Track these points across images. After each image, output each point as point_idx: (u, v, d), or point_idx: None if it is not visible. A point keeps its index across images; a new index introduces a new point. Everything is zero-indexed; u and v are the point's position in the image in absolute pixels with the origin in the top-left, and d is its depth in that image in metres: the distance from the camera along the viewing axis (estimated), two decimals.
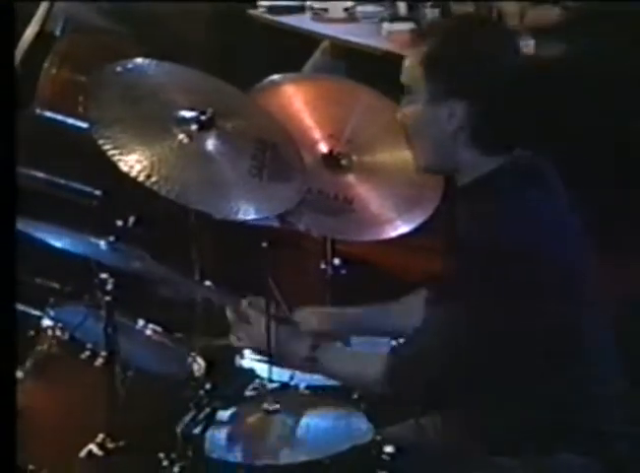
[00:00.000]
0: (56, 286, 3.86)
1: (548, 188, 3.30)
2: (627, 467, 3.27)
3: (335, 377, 3.46)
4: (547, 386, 3.19)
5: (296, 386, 3.60)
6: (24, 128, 4.56)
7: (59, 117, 4.01)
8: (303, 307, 3.68)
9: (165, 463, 3.39)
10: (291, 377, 3.60)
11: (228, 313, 3.45)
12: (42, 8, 4.69)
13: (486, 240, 3.13)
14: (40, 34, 4.71)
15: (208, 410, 3.46)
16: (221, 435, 3.45)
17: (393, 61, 5.17)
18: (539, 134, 3.35)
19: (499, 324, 3.11)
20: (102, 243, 3.39)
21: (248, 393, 3.60)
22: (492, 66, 3.20)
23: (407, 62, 3.28)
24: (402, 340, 3.38)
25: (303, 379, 3.60)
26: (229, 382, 3.60)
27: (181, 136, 3.54)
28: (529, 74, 3.27)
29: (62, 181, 4.33)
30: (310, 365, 3.37)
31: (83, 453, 3.35)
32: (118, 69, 3.67)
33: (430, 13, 5.40)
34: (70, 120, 4.01)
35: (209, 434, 3.42)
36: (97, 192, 3.67)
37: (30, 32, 4.69)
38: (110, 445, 3.32)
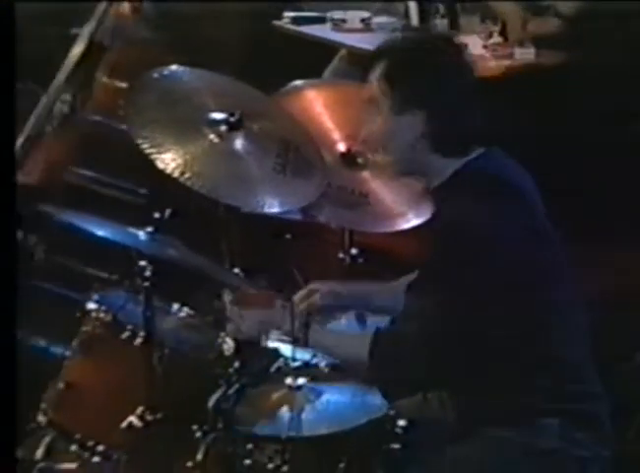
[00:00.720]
0: (100, 273, 3.83)
1: (503, 183, 3.29)
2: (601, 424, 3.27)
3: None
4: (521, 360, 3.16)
5: (317, 365, 3.57)
6: (78, 132, 4.61)
7: (109, 121, 3.98)
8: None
9: (198, 434, 3.39)
10: (313, 356, 3.58)
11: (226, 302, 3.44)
12: (92, 22, 4.68)
13: (453, 232, 3.13)
14: (91, 46, 4.69)
15: (236, 386, 3.47)
16: (248, 409, 3.47)
17: None
18: (490, 136, 3.36)
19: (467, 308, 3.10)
20: (141, 234, 3.38)
21: (273, 371, 3.59)
22: (445, 77, 3.20)
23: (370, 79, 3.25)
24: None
25: (323, 359, 3.58)
26: (256, 361, 3.59)
27: (212, 136, 3.55)
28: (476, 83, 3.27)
29: (111, 180, 4.33)
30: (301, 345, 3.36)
31: (124, 424, 3.35)
32: (156, 76, 3.68)
33: (440, 24, 5.40)
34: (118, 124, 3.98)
35: (238, 408, 3.44)
36: (142, 190, 3.62)
37: (80, 44, 4.69)
38: (149, 418, 3.32)
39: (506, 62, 5.25)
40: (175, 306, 3.62)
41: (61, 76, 4.69)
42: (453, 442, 3.35)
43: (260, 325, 3.39)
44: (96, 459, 3.43)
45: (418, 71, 3.21)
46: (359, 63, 5.42)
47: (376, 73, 3.21)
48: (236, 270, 3.64)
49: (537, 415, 3.20)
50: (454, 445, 3.33)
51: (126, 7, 4.68)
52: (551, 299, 3.23)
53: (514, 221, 3.19)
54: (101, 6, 4.69)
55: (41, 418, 3.49)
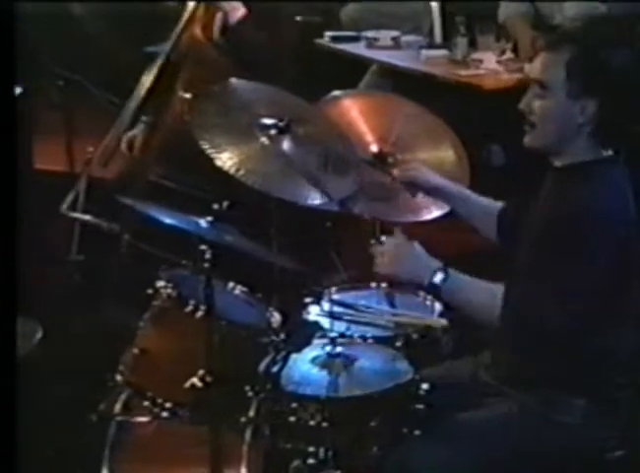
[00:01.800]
0: (169, 255, 3.85)
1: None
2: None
3: (456, 306, 3.42)
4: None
5: (351, 335, 3.58)
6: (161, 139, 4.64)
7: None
8: None
9: (250, 394, 3.42)
10: (348, 328, 3.59)
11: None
12: (169, 43, 4.74)
13: (579, 213, 3.17)
14: (168, 64, 4.69)
15: (283, 353, 3.48)
16: (293, 372, 3.49)
17: (429, 80, 5.22)
18: None
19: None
20: (203, 222, 3.41)
21: (314, 340, 3.60)
22: (621, 70, 3.21)
23: (545, 61, 3.24)
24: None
25: (357, 330, 3.60)
26: (300, 331, 3.61)
27: (263, 139, 3.58)
28: None
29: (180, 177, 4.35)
30: (433, 291, 3.39)
31: (187, 384, 3.37)
32: (217, 88, 3.71)
33: (460, 42, 5.37)
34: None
35: (284, 372, 3.47)
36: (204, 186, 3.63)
37: (158, 62, 4.75)
38: (208, 379, 3.33)
39: (517, 76, 5.22)
40: (231, 285, 3.63)
41: (141, 90, 4.74)
42: (476, 406, 3.41)
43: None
44: (164, 414, 3.45)
45: (601, 63, 3.20)
46: (389, 76, 5.48)
47: (559, 57, 3.19)
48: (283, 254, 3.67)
49: (566, 392, 3.24)
50: (476, 408, 3.38)
51: (199, 32, 4.68)
52: None
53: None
54: (177, 29, 4.71)
55: (119, 378, 3.51)
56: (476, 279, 3.37)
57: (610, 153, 3.29)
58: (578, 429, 3.26)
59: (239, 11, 4.70)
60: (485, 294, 3.31)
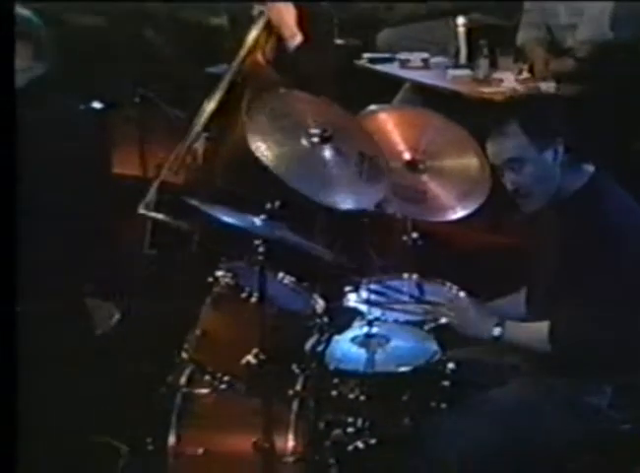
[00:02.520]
0: (228, 249, 3.84)
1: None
2: None
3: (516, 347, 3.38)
4: None
5: (386, 319, 3.58)
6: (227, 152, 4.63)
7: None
8: None
9: (297, 371, 3.42)
10: (382, 313, 3.59)
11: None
12: (232, 67, 4.74)
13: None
14: (233, 84, 4.71)
15: (326, 335, 3.49)
16: (335, 351, 3.49)
17: (455, 97, 5.20)
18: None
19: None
20: (257, 220, 3.39)
21: (354, 323, 3.59)
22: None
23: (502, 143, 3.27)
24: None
25: (390, 315, 3.59)
26: (340, 316, 3.60)
27: (307, 145, 3.54)
28: None
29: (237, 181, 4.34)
30: (494, 342, 3.34)
31: (243, 361, 3.36)
32: (268, 98, 3.70)
33: (483, 63, 5.35)
34: None
35: (327, 351, 3.47)
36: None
37: (223, 83, 4.75)
38: (261, 357, 3.32)
39: (533, 93, 5.18)
40: (281, 275, 3.60)
41: (208, 107, 4.74)
42: (501, 386, 3.38)
43: None
44: (222, 387, 3.44)
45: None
46: (420, 93, 5.45)
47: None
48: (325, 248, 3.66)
49: (595, 376, 3.20)
50: (502, 388, 3.35)
51: (260, 56, 4.67)
52: None
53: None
54: (241, 54, 4.71)
55: (184, 355, 3.51)
56: (525, 324, 3.35)
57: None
58: (604, 411, 3.22)
59: (298, 37, 4.66)
60: (536, 333, 3.27)
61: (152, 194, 4.53)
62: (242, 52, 4.72)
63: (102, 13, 6.09)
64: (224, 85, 4.74)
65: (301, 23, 4.69)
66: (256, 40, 4.72)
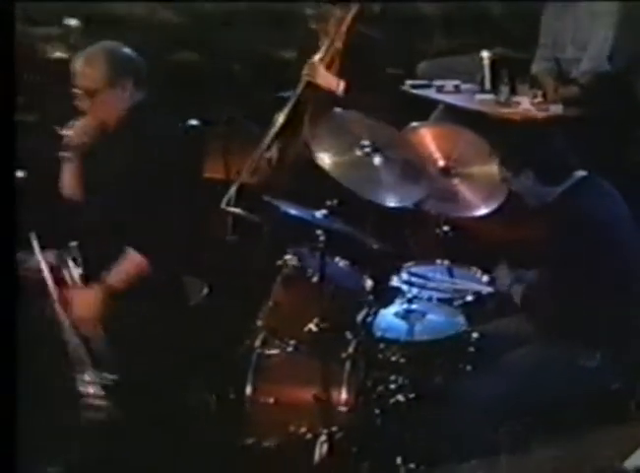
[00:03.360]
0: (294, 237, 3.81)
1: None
2: None
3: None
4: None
5: (423, 298, 3.55)
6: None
7: None
8: None
9: (349, 337, 3.41)
10: (419, 292, 3.56)
11: None
12: (298, 88, 4.69)
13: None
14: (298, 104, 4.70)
15: (374, 309, 3.48)
16: (381, 322, 3.47)
17: (481, 117, 5.16)
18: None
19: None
20: (318, 214, 3.38)
21: (396, 300, 3.56)
22: None
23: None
24: None
25: (426, 294, 3.56)
26: (386, 294, 3.58)
27: (360, 154, 3.52)
28: None
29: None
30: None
31: (306, 328, 3.36)
32: (328, 118, 3.69)
33: (504, 89, 5.29)
34: None
35: (374, 322, 3.46)
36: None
37: (289, 104, 4.74)
38: (321, 325, 3.31)
39: (544, 114, 5.14)
40: (337, 259, 3.58)
41: (278, 122, 4.75)
42: (513, 350, 3.33)
43: None
44: (289, 349, 3.44)
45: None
46: (452, 113, 5.41)
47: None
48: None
49: (589, 345, 3.16)
50: (513, 353, 3.31)
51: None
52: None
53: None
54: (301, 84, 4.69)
55: (259, 323, 3.51)
56: None
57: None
58: (596, 372, 3.18)
59: (340, 87, 4.63)
60: None
61: (232, 193, 4.56)
62: (303, 80, 4.70)
63: (195, 49, 6.14)
64: (290, 105, 4.74)
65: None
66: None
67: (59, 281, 3.31)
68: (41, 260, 3.31)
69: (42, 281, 3.29)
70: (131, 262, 3.26)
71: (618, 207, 3.29)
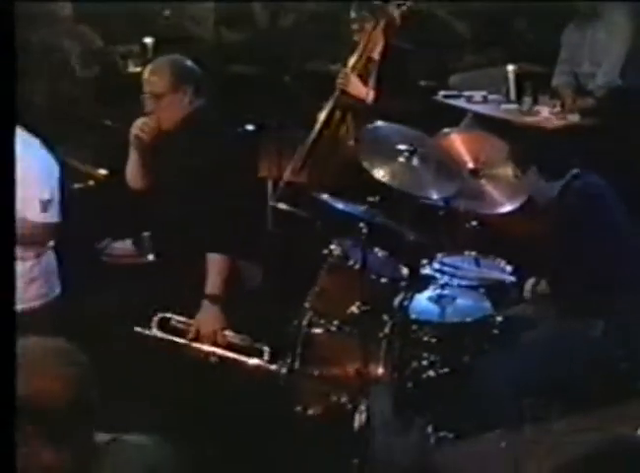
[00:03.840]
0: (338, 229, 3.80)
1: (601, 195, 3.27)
2: None
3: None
4: None
5: (453, 284, 3.53)
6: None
7: None
8: None
9: (386, 319, 3.39)
10: (450, 280, 3.54)
11: None
12: (330, 103, 4.66)
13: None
14: (332, 113, 4.67)
15: (409, 294, 3.46)
16: (415, 305, 3.46)
17: (506, 124, 5.14)
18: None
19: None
20: (362, 208, 3.39)
21: (430, 286, 3.55)
22: None
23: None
24: None
25: (456, 281, 3.55)
26: (420, 280, 3.55)
27: (401, 159, 3.52)
28: None
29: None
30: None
31: (349, 311, 3.35)
32: (371, 129, 3.72)
33: (527, 99, 5.29)
34: None
35: (410, 305, 3.44)
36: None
37: (324, 113, 4.73)
38: (362, 308, 3.31)
39: (563, 122, 5.10)
40: (377, 249, 3.57)
41: (315, 129, 4.74)
42: (532, 332, 3.34)
43: None
44: (333, 329, 3.44)
45: None
46: (480, 120, 5.39)
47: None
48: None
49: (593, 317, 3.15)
50: (531, 334, 3.30)
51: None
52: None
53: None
54: (337, 90, 4.67)
55: (307, 305, 3.50)
56: None
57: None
58: (599, 341, 3.18)
59: (370, 96, 4.61)
60: None
61: (280, 190, 4.57)
62: (337, 88, 4.69)
63: (252, 63, 6.20)
64: (324, 115, 4.74)
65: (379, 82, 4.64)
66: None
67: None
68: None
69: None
70: (219, 267, 3.25)
71: (611, 197, 3.33)
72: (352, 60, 4.69)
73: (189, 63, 3.42)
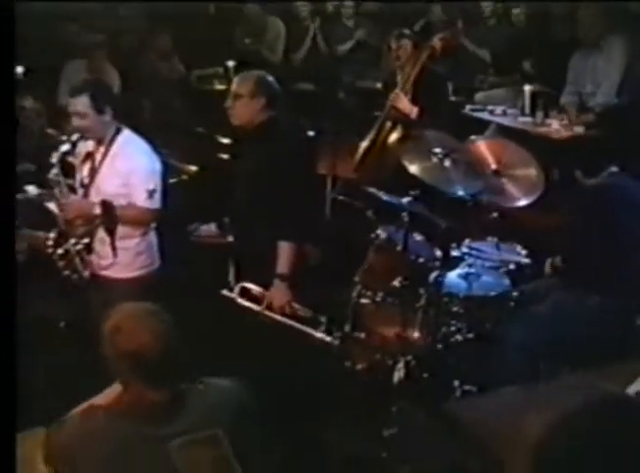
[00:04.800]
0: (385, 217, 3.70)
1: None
2: None
3: None
4: None
5: (478, 265, 3.45)
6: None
7: None
8: None
9: (422, 292, 3.30)
10: (476, 261, 3.45)
11: None
12: (384, 113, 4.55)
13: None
14: (383, 123, 4.61)
15: (442, 271, 3.36)
16: (447, 281, 3.37)
17: (523, 133, 5.01)
18: None
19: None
20: (404, 200, 3.31)
21: (459, 266, 3.48)
22: None
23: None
24: None
25: (481, 262, 3.46)
26: (451, 261, 3.47)
27: (434, 160, 3.45)
28: None
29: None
30: None
31: (391, 285, 3.27)
32: (413, 138, 3.71)
33: (539, 113, 5.18)
34: None
35: (442, 281, 3.34)
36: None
37: (378, 123, 4.65)
38: (403, 283, 3.24)
39: (569, 133, 4.95)
40: (416, 234, 3.50)
41: (370, 136, 4.65)
42: (540, 304, 3.21)
43: None
44: (378, 299, 3.36)
45: None
46: (501, 130, 5.26)
47: None
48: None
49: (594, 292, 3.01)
50: (543, 306, 3.18)
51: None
52: None
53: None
54: (388, 107, 4.56)
55: (356, 278, 3.41)
56: None
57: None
58: (597, 312, 3.06)
59: (414, 113, 4.51)
60: None
61: (340, 185, 4.52)
62: (388, 105, 4.64)
63: (312, 82, 6.15)
64: (378, 124, 4.68)
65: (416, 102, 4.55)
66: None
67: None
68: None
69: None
70: (287, 251, 3.17)
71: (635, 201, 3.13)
72: (400, 82, 4.63)
73: (270, 80, 3.33)
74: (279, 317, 3.17)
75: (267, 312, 3.17)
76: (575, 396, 2.09)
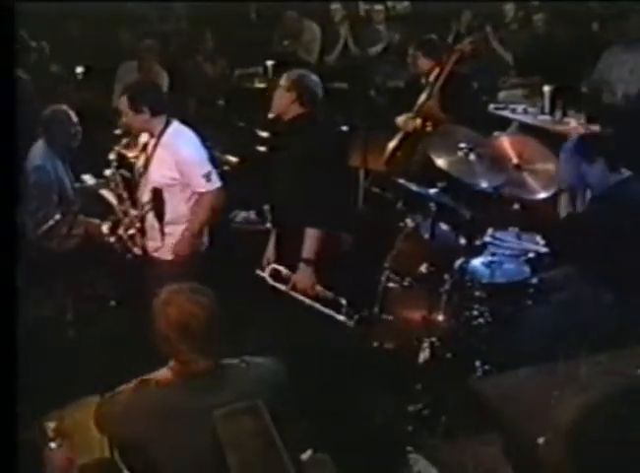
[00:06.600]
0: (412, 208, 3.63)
1: None
2: None
3: None
4: None
5: (500, 253, 3.36)
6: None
7: None
8: None
9: (447, 278, 3.23)
10: (498, 249, 3.36)
11: None
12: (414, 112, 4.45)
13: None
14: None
15: (466, 258, 3.27)
16: (471, 268, 3.29)
17: (542, 130, 4.88)
18: None
19: None
20: (432, 191, 3.25)
21: (483, 253, 3.36)
22: None
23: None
24: None
25: (503, 250, 3.37)
26: (475, 248, 3.38)
27: (460, 154, 3.37)
28: None
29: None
30: None
31: (418, 270, 3.21)
32: (439, 132, 3.65)
33: (558, 112, 5.08)
34: None
35: (466, 267, 3.27)
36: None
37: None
38: (429, 269, 3.16)
39: (586, 131, 4.81)
40: (442, 223, 3.42)
41: (398, 137, 4.57)
42: (558, 290, 3.12)
43: None
44: (405, 284, 3.30)
45: None
46: (522, 128, 5.14)
47: None
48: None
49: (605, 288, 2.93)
50: (560, 293, 3.10)
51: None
52: None
53: None
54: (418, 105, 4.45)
55: (386, 265, 3.36)
56: None
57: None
58: (610, 308, 2.97)
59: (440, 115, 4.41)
60: None
61: (372, 177, 4.47)
62: (419, 105, 4.52)
63: (345, 81, 6.09)
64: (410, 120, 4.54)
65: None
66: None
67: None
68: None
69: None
70: (313, 238, 3.10)
71: None
72: (427, 88, 4.48)
73: (310, 79, 3.26)
74: (302, 298, 3.12)
75: (292, 293, 3.13)
76: (614, 380, 2.05)
